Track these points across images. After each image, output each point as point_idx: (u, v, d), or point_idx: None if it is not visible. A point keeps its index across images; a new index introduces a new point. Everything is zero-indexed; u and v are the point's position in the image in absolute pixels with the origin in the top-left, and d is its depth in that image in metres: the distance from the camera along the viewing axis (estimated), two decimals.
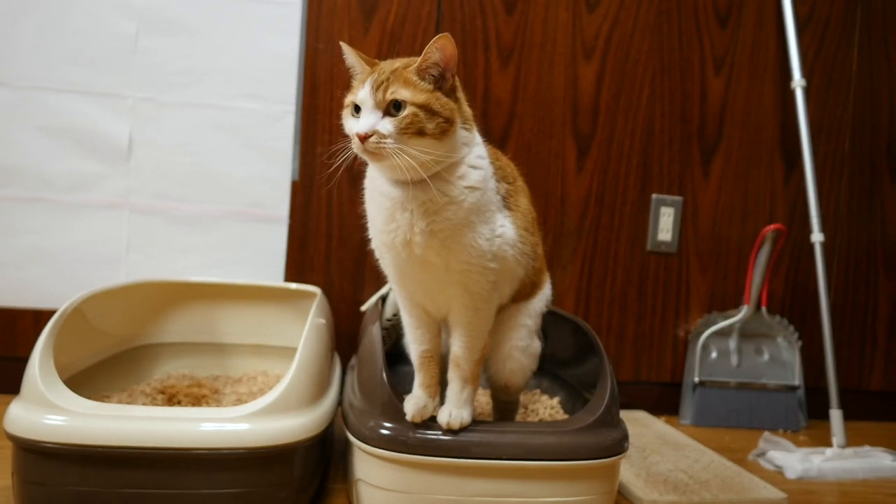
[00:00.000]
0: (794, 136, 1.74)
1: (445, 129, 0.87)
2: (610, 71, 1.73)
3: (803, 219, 1.77)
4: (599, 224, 1.76)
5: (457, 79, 0.91)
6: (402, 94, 0.85)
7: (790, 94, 1.73)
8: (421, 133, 0.85)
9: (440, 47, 0.86)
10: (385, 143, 0.83)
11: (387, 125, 0.84)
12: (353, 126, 0.86)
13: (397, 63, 0.89)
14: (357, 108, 0.87)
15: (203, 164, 1.59)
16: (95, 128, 1.54)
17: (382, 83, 0.85)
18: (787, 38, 1.72)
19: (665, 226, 1.77)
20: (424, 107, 0.85)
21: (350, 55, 0.91)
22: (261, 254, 1.62)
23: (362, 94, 0.86)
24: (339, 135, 0.91)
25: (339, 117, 0.92)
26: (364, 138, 0.83)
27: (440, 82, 0.88)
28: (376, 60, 0.91)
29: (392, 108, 0.85)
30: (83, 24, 1.52)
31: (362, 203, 0.98)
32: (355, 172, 0.98)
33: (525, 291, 1.08)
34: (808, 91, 1.70)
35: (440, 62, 0.87)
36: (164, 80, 1.56)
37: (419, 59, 0.87)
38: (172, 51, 1.56)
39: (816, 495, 1.33)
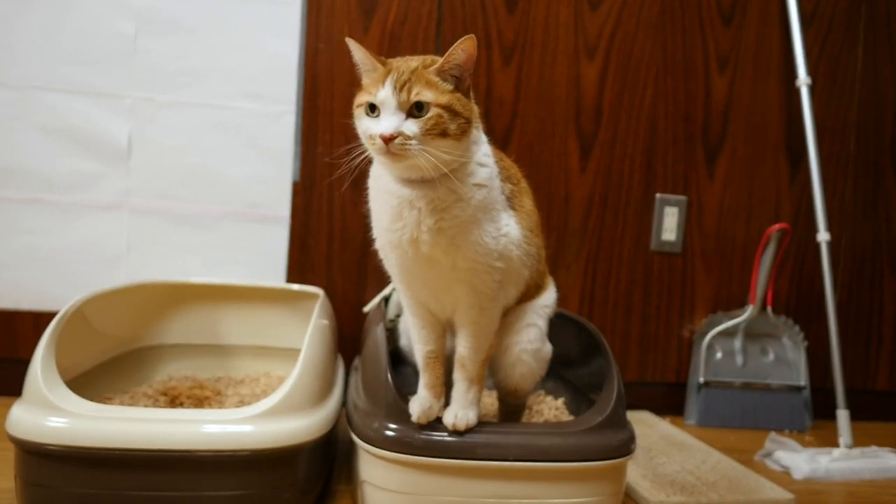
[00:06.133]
0: (799, 135, 1.73)
1: (465, 129, 0.87)
2: (613, 70, 1.72)
3: (808, 218, 1.76)
4: (603, 224, 1.75)
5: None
6: (426, 95, 0.84)
7: (795, 93, 1.72)
8: (444, 134, 0.85)
9: (465, 49, 0.85)
10: (410, 144, 0.82)
11: (411, 126, 0.83)
12: (371, 127, 0.85)
13: (414, 62, 0.87)
14: (372, 108, 0.86)
15: (203, 164, 1.58)
16: (95, 128, 1.53)
17: (405, 84, 0.84)
18: (791, 36, 1.71)
19: (669, 225, 1.76)
20: (447, 108, 0.85)
21: (358, 51, 0.89)
22: (261, 254, 1.61)
23: (383, 94, 0.84)
24: (341, 135, 0.90)
25: (340, 117, 0.91)
26: (388, 140, 0.82)
27: (458, 83, 0.87)
28: (384, 58, 0.90)
29: (414, 108, 0.84)
30: (82, 23, 1.51)
31: (364, 203, 0.98)
32: (358, 172, 0.97)
33: (529, 294, 1.08)
34: (812, 89, 1.69)
35: (462, 63, 0.87)
36: (164, 80, 1.55)
37: (441, 60, 0.86)
38: (172, 51, 1.55)
39: (823, 496, 1.33)
